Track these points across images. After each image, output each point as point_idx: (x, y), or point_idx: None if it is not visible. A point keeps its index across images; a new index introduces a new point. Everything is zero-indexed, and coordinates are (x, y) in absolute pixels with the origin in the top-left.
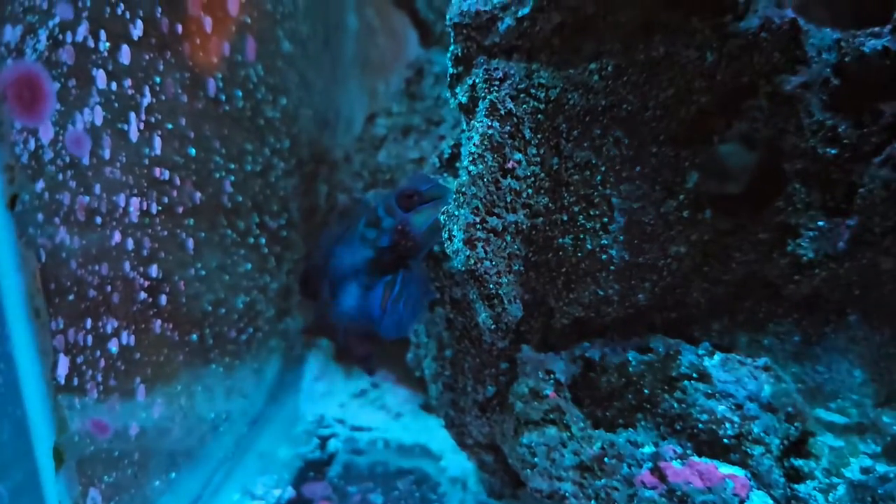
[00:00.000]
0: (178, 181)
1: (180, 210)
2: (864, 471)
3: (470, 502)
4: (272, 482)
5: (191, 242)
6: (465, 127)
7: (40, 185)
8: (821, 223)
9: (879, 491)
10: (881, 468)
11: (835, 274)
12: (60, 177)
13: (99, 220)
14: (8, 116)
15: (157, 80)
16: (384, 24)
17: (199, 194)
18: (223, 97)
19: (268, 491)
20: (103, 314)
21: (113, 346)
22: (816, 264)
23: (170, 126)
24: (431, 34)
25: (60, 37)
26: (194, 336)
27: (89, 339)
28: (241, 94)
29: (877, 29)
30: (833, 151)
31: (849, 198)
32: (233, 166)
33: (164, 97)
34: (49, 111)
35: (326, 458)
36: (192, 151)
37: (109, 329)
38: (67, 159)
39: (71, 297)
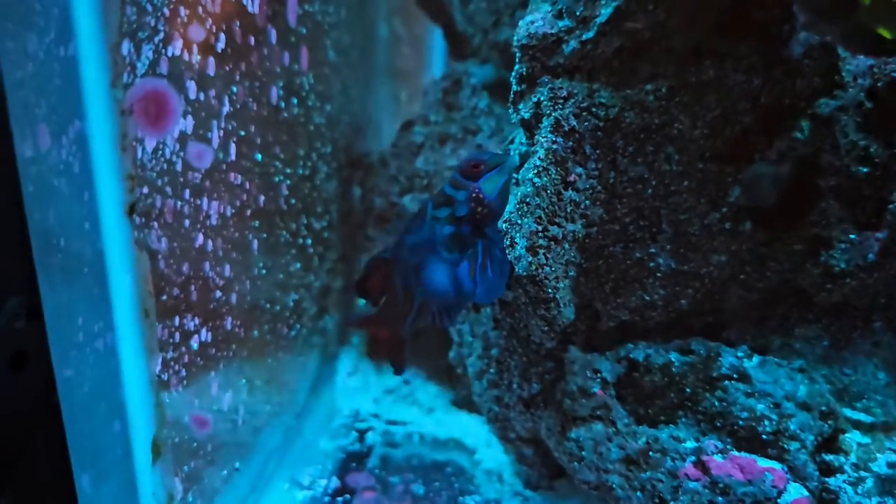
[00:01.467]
0: (248, 185)
1: (248, 213)
2: (891, 465)
3: (507, 493)
4: (317, 472)
5: (255, 243)
6: (523, 140)
7: (144, 189)
8: (852, 236)
9: None
10: None
11: (863, 283)
12: (159, 182)
13: (187, 223)
14: (132, 130)
15: (234, 89)
16: (409, 32)
17: (262, 197)
18: (283, 104)
19: (314, 481)
20: (186, 312)
21: (194, 343)
22: (847, 274)
23: (242, 133)
24: (468, 46)
25: (163, 49)
26: (255, 332)
27: (177, 335)
28: (296, 101)
29: None
30: (865, 170)
31: (878, 213)
32: (289, 171)
33: (238, 106)
34: (173, 126)
35: (366, 451)
36: (259, 157)
37: (192, 326)
38: (165, 166)
39: (163, 297)
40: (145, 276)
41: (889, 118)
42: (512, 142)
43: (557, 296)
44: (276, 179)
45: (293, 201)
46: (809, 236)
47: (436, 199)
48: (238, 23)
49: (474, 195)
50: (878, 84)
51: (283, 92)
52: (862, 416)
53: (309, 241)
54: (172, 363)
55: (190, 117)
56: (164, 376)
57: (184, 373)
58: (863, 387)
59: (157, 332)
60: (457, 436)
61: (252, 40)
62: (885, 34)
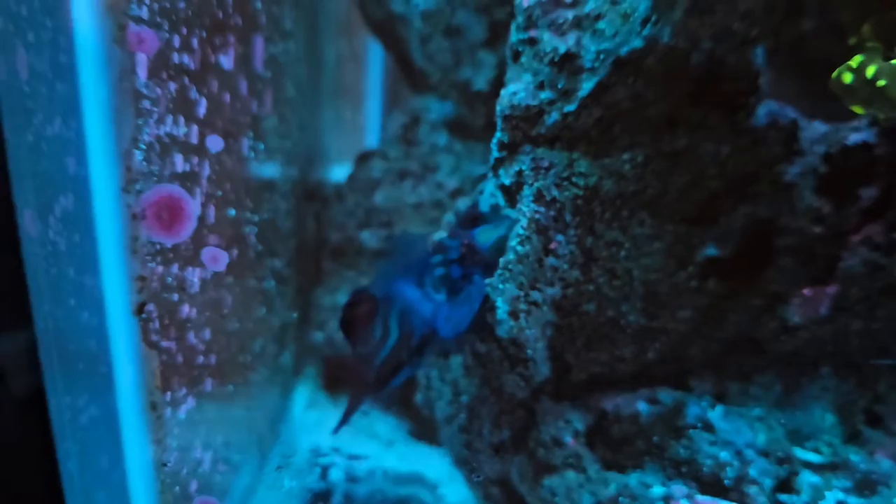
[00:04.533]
0: (223, 244)
1: (224, 270)
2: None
3: None
4: None
5: (229, 300)
6: (493, 192)
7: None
8: (805, 292)
9: None
10: (853, 501)
11: (814, 335)
12: (148, 258)
13: (175, 297)
14: (144, 233)
15: (213, 150)
16: (352, 50)
17: (235, 251)
18: (252, 154)
19: None
20: (175, 383)
21: (182, 413)
22: (800, 327)
23: (219, 193)
24: (426, 83)
25: (159, 132)
26: (230, 386)
27: (168, 410)
28: (262, 147)
29: (856, 124)
30: (818, 230)
31: (830, 270)
32: (256, 218)
33: (217, 167)
34: (188, 230)
35: (329, 488)
36: (233, 212)
37: (180, 397)
38: (158, 247)
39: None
40: (154, 371)
41: (840, 182)
42: (482, 192)
43: (535, 355)
44: (246, 230)
45: (259, 247)
46: (767, 292)
47: (433, 247)
48: (216, 82)
49: (466, 242)
50: (832, 150)
51: (252, 141)
52: (812, 457)
53: (272, 283)
54: (165, 438)
55: (178, 185)
56: (164, 458)
57: (175, 444)
58: (812, 428)
59: (164, 425)
60: (418, 469)
61: (227, 97)
62: (858, 111)
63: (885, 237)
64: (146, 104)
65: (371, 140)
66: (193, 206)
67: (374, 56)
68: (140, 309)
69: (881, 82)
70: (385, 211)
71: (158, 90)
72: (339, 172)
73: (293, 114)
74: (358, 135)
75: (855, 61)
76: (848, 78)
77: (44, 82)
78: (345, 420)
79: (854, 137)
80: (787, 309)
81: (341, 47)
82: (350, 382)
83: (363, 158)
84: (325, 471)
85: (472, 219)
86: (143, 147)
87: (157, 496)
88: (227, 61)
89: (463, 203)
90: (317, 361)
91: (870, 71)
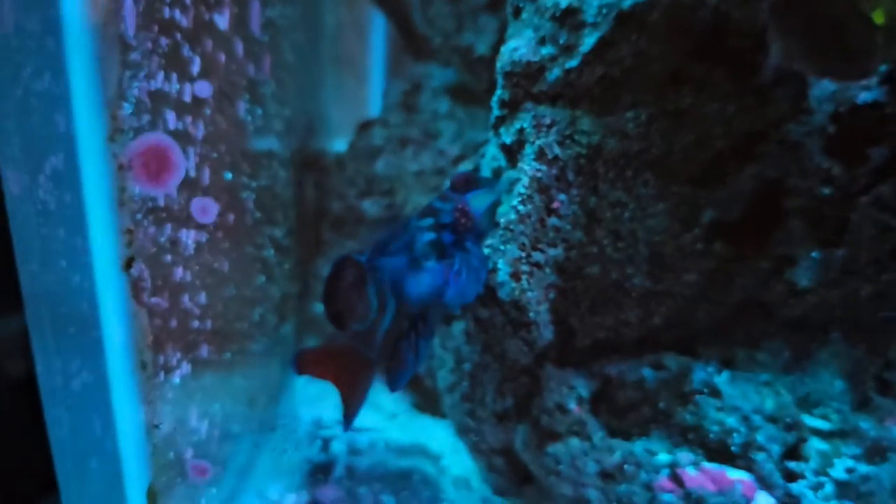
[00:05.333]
0: (219, 208)
1: (220, 235)
2: (848, 470)
3: (476, 500)
4: (284, 486)
5: (226, 265)
6: (496, 155)
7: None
8: (814, 254)
9: (861, 489)
10: (862, 469)
11: (823, 299)
12: (139, 216)
13: (168, 258)
14: (131, 185)
15: (207, 111)
16: (353, 19)
17: (231, 216)
18: (249, 118)
19: (282, 495)
20: (169, 347)
21: (176, 378)
22: (809, 291)
23: (214, 155)
24: (427, 49)
25: (146, 84)
26: (228, 354)
27: (161, 374)
28: (260, 111)
29: (866, 82)
30: (827, 191)
31: (839, 232)
32: (254, 184)
33: (211, 128)
34: (176, 180)
35: (331, 460)
36: (229, 175)
37: (174, 361)
38: (150, 204)
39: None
40: (143, 329)
41: (850, 141)
42: (483, 156)
43: (538, 318)
44: (244, 195)
45: (258, 214)
46: (775, 255)
47: (421, 210)
48: (210, 42)
49: (460, 206)
50: (840, 109)
51: (249, 105)
52: (821, 424)
53: (271, 252)
54: (157, 402)
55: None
56: (156, 420)
57: (168, 409)
58: (821, 395)
59: (153, 383)
60: (421, 441)
61: (222, 57)
62: (879, 18)
63: None
64: (135, 56)
65: (374, 110)
66: (181, 155)
67: (376, 25)
68: (129, 264)
69: None
70: (386, 179)
71: (148, 43)
72: (340, 142)
73: (292, 80)
74: (360, 104)
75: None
76: (880, 17)
77: (33, 37)
78: (354, 414)
79: (864, 96)
80: (795, 272)
81: (342, 16)
82: (350, 370)
83: (364, 127)
84: (326, 443)
85: (465, 182)
86: (132, 100)
87: (149, 459)
88: (221, 21)
89: (464, 169)
90: (318, 333)
91: None
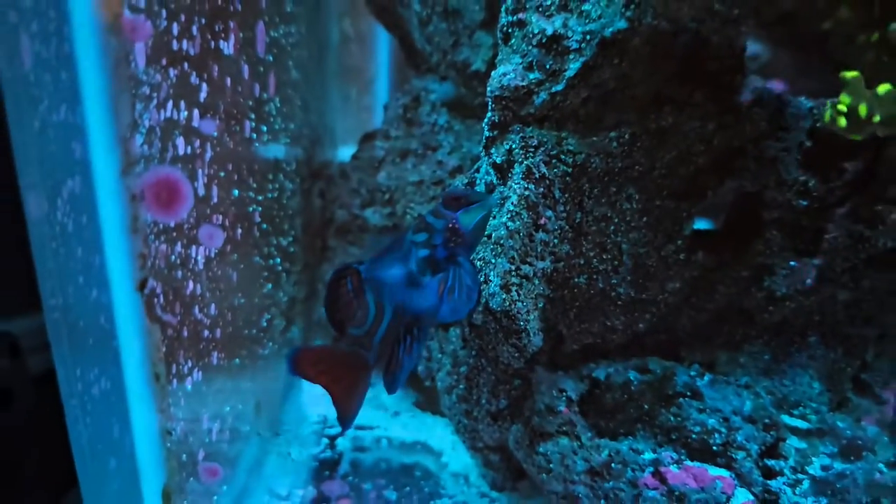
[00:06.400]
0: (227, 223)
1: (228, 249)
2: (824, 468)
3: (474, 494)
4: (292, 482)
5: (235, 276)
6: (489, 170)
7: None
8: (792, 263)
9: (837, 486)
10: (838, 466)
11: (801, 305)
12: (152, 237)
13: (180, 274)
14: (143, 213)
15: (214, 133)
16: (356, 30)
17: (239, 230)
18: (254, 136)
19: (291, 491)
20: (181, 356)
21: (188, 385)
22: (787, 298)
23: (222, 174)
24: (426, 64)
25: (156, 114)
26: (237, 359)
27: (174, 382)
28: (265, 129)
29: None
30: (804, 203)
31: (816, 242)
32: (260, 198)
33: (218, 149)
34: (186, 209)
35: (337, 457)
36: (236, 193)
37: (186, 369)
38: (161, 225)
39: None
40: (157, 344)
41: (826, 156)
42: (478, 170)
43: (528, 327)
44: (250, 210)
45: (265, 226)
46: (754, 264)
47: (416, 225)
48: (217, 67)
49: (451, 225)
50: (817, 125)
51: (255, 123)
52: (799, 423)
53: (278, 260)
54: (171, 409)
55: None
56: (169, 426)
57: (180, 415)
58: (800, 396)
59: (167, 394)
60: (422, 439)
61: (228, 81)
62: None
63: (870, 209)
64: (145, 90)
65: (378, 121)
66: (190, 186)
67: (380, 37)
68: (142, 285)
69: (876, 118)
70: (387, 189)
71: (158, 76)
72: (345, 153)
73: (297, 95)
74: (365, 115)
75: (843, 104)
76: (843, 122)
77: (49, 70)
78: (353, 415)
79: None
80: (774, 280)
81: (346, 29)
82: (349, 372)
83: (367, 138)
84: (332, 441)
85: (456, 198)
86: (144, 131)
87: (163, 462)
88: (227, 47)
89: (461, 181)
90: (325, 335)
91: (862, 110)
